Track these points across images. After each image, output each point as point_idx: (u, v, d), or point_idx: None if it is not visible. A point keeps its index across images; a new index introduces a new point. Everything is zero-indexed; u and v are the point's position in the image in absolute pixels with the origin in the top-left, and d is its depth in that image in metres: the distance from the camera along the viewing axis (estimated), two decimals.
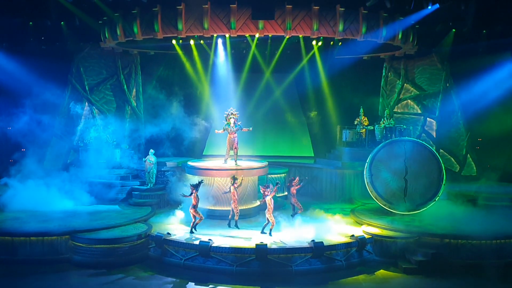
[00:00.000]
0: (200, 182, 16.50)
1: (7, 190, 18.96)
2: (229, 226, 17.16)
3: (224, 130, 19.04)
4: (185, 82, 25.65)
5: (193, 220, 16.25)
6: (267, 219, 16.06)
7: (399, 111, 25.21)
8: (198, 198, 16.29)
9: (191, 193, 16.15)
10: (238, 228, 16.99)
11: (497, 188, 20.83)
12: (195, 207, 16.15)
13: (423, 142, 19.16)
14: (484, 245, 15.35)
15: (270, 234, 16.03)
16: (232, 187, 16.96)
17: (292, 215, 17.60)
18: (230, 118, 18.89)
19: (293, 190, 17.73)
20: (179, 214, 17.99)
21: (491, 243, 15.37)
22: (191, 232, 16.15)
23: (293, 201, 17.80)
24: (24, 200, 18.33)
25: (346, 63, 25.08)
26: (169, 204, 20.69)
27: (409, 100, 25.07)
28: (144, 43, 22.50)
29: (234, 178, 17.12)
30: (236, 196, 16.98)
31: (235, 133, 18.97)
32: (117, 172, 21.67)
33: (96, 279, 14.08)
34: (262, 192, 16.13)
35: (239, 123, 19.07)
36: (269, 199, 15.90)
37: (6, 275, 14.25)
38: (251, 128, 19.63)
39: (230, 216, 17.28)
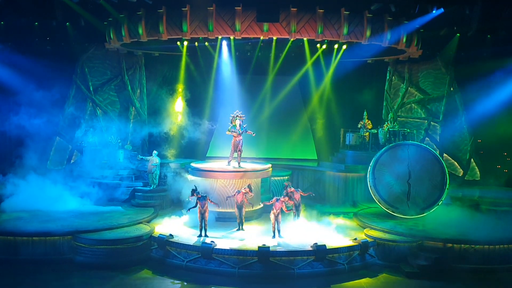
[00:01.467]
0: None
1: (10, 190, 19.00)
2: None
3: (231, 132, 19.03)
4: (189, 83, 25.67)
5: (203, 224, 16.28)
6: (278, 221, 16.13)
7: (403, 114, 25.17)
8: (202, 204, 16.13)
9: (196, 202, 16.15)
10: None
11: (501, 193, 20.78)
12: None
13: (427, 146, 19.15)
14: (487, 250, 15.30)
15: (273, 236, 16.06)
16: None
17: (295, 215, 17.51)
18: (236, 120, 18.89)
19: (297, 195, 17.48)
20: (182, 215, 18.00)
21: (495, 248, 15.32)
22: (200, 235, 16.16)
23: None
24: (27, 200, 18.37)
25: (350, 66, 25.05)
26: (172, 205, 20.73)
27: (413, 104, 25.05)
28: (149, 44, 22.53)
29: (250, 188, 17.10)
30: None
31: (240, 135, 18.98)
32: (120, 172, 21.69)
33: (98, 279, 14.08)
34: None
35: (244, 125, 19.06)
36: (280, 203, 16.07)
37: (8, 274, 14.27)
38: (254, 134, 19.62)
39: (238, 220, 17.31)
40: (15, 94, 22.14)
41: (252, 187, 17.25)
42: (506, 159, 24.30)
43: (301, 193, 17.51)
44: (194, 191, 16.18)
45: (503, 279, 14.66)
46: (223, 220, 18.15)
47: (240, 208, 16.97)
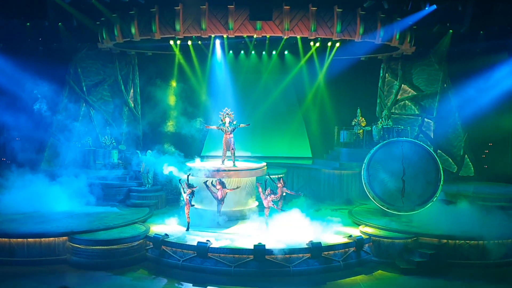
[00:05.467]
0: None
1: (4, 191, 18.92)
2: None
3: (218, 128, 18.97)
4: (182, 82, 25.64)
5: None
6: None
7: (396, 111, 25.23)
8: (191, 198, 16.59)
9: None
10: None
11: (495, 189, 20.88)
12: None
13: (421, 143, 19.17)
14: (482, 245, 15.38)
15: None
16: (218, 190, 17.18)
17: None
18: (225, 117, 18.84)
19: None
20: (177, 215, 17.99)
21: (489, 243, 15.38)
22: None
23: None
24: (22, 201, 18.25)
25: (344, 64, 25.06)
26: (167, 205, 20.71)
27: (406, 101, 25.10)
28: (142, 44, 22.49)
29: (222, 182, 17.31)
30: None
31: (230, 133, 18.89)
32: (114, 173, 21.65)
33: (94, 280, 14.04)
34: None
35: (234, 122, 18.99)
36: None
37: (3, 276, 14.20)
38: (248, 124, 19.49)
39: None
40: (8, 95, 22.06)
41: (224, 180, 17.50)
42: (500, 155, 24.40)
43: (286, 190, 17.57)
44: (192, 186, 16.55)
45: (498, 274, 14.72)
46: (234, 219, 18.18)
47: (219, 202, 17.22)
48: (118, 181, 21.21)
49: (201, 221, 17.52)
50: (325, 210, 19.66)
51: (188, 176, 17.14)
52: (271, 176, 18.11)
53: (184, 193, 16.82)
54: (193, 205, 16.97)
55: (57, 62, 23.33)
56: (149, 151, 20.64)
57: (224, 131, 18.83)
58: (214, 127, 19.10)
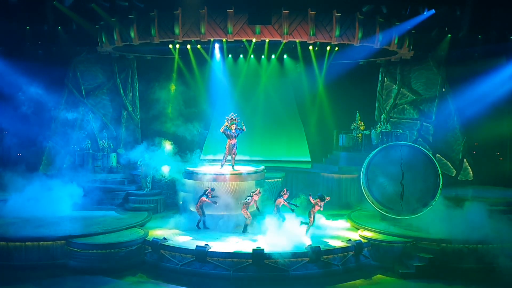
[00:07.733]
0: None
1: (2, 195, 18.87)
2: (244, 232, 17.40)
3: (225, 133, 18.86)
4: (181, 86, 25.65)
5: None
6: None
7: (395, 115, 25.25)
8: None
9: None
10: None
11: (493, 193, 20.88)
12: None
13: (420, 147, 19.17)
14: (481, 249, 15.36)
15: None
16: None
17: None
18: (232, 123, 18.69)
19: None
20: (176, 218, 17.96)
21: (488, 247, 15.37)
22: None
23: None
24: (20, 205, 18.25)
25: (343, 68, 25.10)
26: (166, 209, 20.67)
27: (405, 105, 25.13)
28: (141, 48, 22.49)
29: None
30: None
31: (235, 138, 18.86)
32: (113, 176, 21.61)
33: (92, 284, 14.02)
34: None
35: (239, 128, 18.95)
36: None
37: (1, 280, 14.17)
38: (244, 128, 19.44)
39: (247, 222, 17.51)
40: (6, 98, 22.06)
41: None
42: (499, 159, 24.45)
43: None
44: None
45: (498, 278, 14.69)
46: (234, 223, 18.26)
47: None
48: (116, 184, 21.21)
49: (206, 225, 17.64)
50: (323, 214, 19.60)
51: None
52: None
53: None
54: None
55: (56, 65, 23.32)
56: (148, 154, 20.60)
57: (229, 136, 18.77)
58: (221, 131, 19.01)
